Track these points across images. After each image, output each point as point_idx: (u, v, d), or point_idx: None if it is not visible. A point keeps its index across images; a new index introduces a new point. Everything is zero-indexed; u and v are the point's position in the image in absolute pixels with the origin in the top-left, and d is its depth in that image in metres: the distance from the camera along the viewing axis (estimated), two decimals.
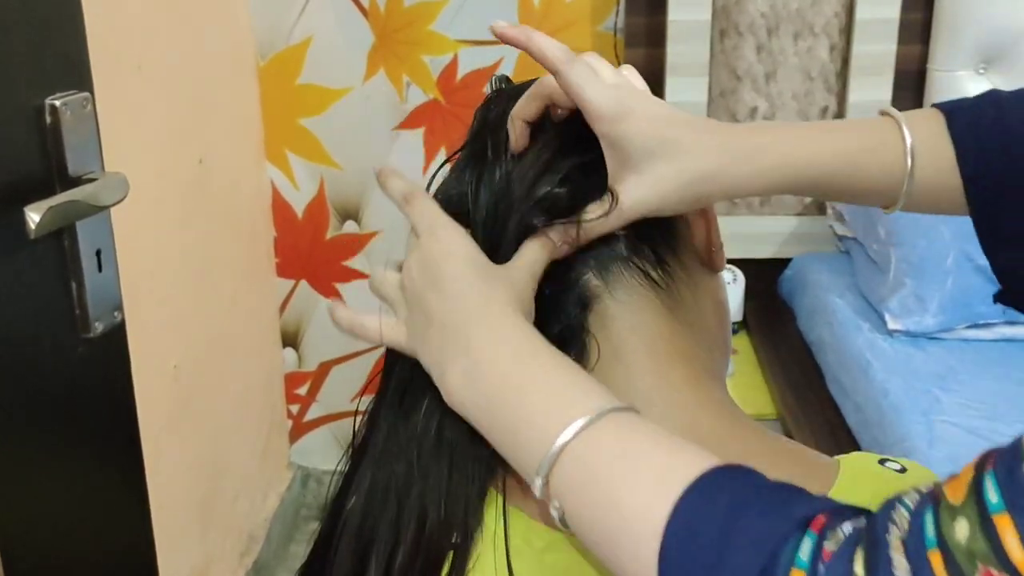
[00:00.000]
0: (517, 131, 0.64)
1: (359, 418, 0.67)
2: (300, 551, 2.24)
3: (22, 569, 0.80)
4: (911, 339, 1.76)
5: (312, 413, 2.40)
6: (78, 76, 0.83)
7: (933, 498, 0.43)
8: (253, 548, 2.10)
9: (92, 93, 0.83)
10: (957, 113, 0.66)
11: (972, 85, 1.97)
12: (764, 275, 2.13)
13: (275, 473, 2.32)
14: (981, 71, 1.98)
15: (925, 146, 0.65)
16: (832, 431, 1.72)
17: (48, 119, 0.78)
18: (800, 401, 1.83)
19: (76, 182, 0.80)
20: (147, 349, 1.38)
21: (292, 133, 2.20)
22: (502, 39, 0.64)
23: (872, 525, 0.44)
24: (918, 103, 2.04)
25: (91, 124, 0.82)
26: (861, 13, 1.98)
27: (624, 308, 0.63)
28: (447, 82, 2.16)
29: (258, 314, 2.22)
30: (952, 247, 1.76)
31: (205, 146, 1.85)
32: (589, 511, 0.51)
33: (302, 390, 2.39)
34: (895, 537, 0.43)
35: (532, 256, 0.61)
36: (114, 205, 0.83)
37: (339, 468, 0.67)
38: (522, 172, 0.63)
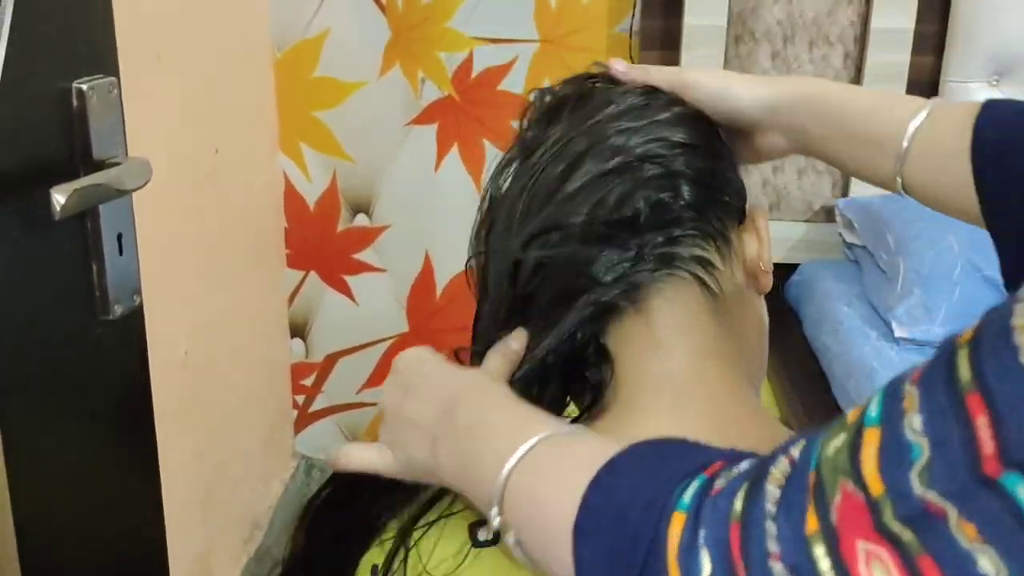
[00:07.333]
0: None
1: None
2: None
3: (35, 547, 0.81)
4: (918, 348, 1.76)
5: (317, 404, 2.42)
6: (105, 61, 0.84)
7: (839, 422, 0.42)
8: (256, 535, 2.12)
9: (119, 78, 0.84)
10: (991, 104, 0.68)
11: (985, 97, 1.96)
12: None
13: (279, 462, 2.34)
14: (994, 83, 1.99)
15: (943, 113, 0.69)
16: None
17: (75, 103, 0.79)
18: (805, 406, 1.83)
19: (100, 166, 0.82)
20: (157, 335, 1.39)
21: (306, 125, 2.21)
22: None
23: (763, 460, 0.43)
24: None
25: (117, 109, 0.84)
26: (876, 23, 1.99)
27: (671, 305, 0.65)
28: (462, 79, 2.16)
29: (267, 304, 2.24)
30: (960, 258, 1.76)
31: (221, 136, 1.86)
32: (531, 531, 0.52)
33: (308, 381, 2.40)
34: (779, 469, 0.42)
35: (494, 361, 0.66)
36: (137, 190, 0.84)
37: None
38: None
